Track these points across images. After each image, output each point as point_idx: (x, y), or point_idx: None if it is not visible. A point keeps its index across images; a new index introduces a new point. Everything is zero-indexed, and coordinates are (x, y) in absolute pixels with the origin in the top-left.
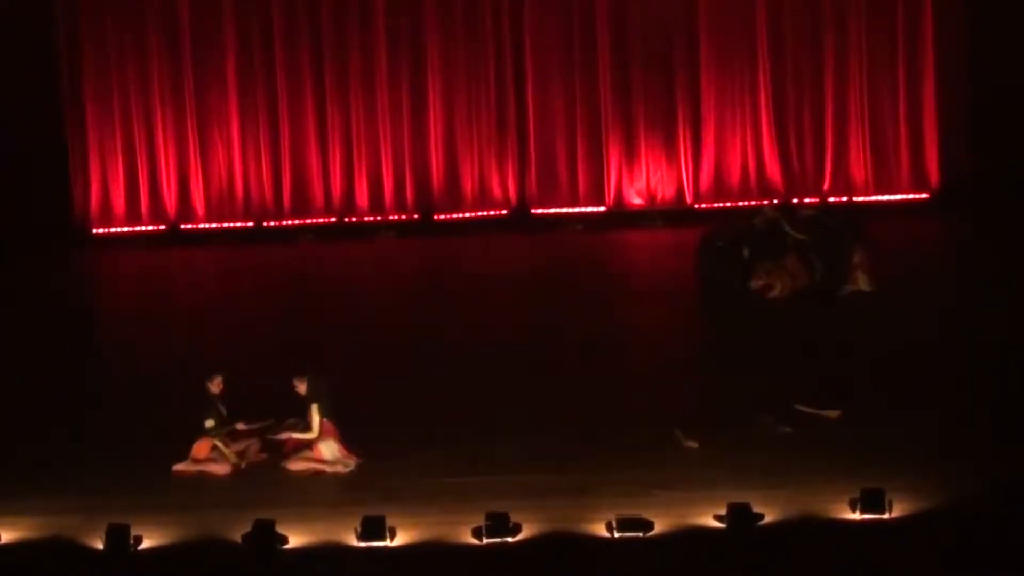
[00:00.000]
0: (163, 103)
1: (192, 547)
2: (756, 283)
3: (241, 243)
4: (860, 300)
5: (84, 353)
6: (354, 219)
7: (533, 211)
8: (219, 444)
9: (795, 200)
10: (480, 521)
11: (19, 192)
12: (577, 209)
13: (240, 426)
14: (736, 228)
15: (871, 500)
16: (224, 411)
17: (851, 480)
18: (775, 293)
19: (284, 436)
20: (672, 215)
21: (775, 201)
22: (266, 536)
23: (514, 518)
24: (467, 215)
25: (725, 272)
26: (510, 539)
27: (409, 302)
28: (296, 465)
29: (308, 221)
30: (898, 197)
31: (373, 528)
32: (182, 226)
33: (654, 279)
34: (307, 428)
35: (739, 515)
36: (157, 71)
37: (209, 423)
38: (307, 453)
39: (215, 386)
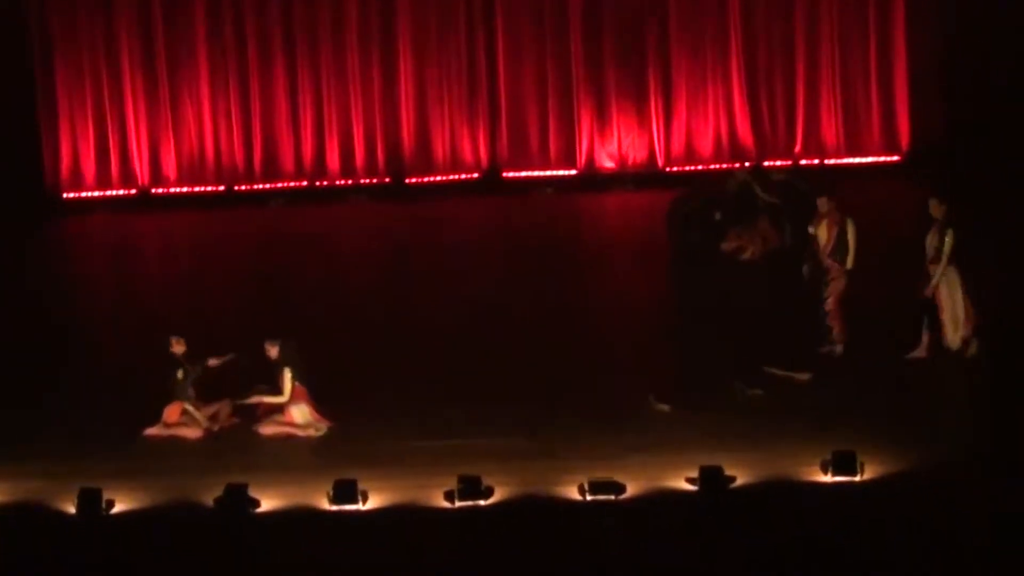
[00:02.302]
0: (133, 67)
1: (164, 511)
2: (728, 246)
3: (212, 207)
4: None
5: (55, 318)
6: (325, 183)
7: (504, 174)
8: (190, 408)
9: (767, 163)
10: (452, 484)
11: None
12: (548, 172)
13: (211, 361)
14: (707, 191)
15: (842, 462)
16: (189, 370)
17: (822, 443)
18: (747, 256)
19: (255, 400)
20: (643, 178)
21: (747, 164)
22: (238, 500)
23: (486, 481)
24: (438, 178)
25: (697, 235)
26: (483, 502)
27: (380, 266)
28: (268, 429)
29: (279, 185)
30: (869, 159)
31: (345, 492)
32: (153, 190)
33: (625, 242)
34: (278, 392)
35: (711, 478)
36: (127, 34)
37: (179, 375)
38: (279, 417)
39: (179, 346)
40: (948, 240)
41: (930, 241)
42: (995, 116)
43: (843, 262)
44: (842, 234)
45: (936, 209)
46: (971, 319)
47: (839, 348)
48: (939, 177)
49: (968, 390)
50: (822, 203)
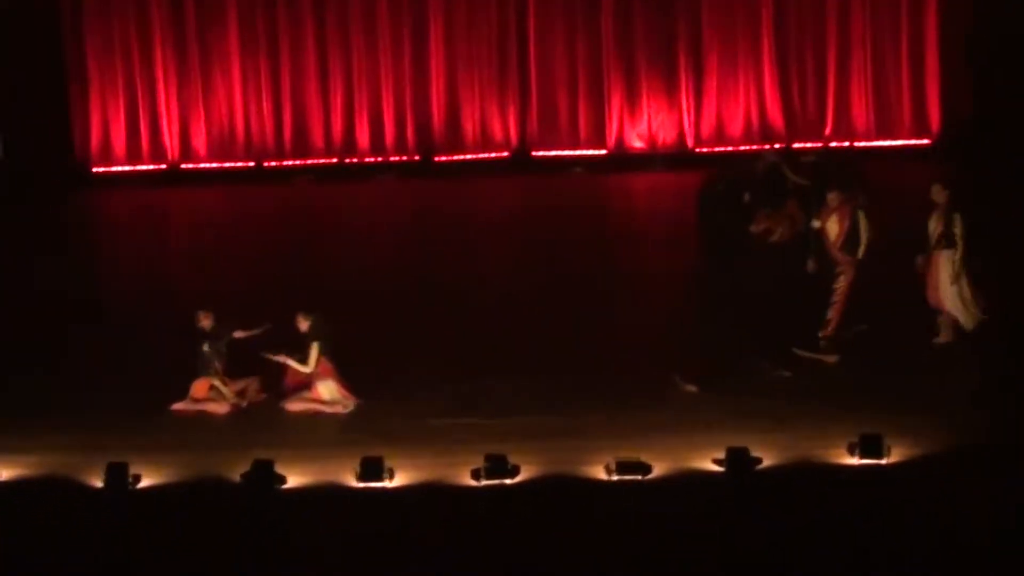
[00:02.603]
0: (164, 42)
1: (190, 486)
2: (756, 227)
3: (241, 183)
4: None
5: (84, 291)
6: (355, 160)
7: (534, 153)
8: (218, 383)
9: (796, 145)
10: (479, 463)
11: (20, 130)
12: (578, 152)
13: (238, 334)
14: (737, 172)
15: (869, 445)
16: (218, 343)
17: (850, 425)
18: (775, 238)
19: (281, 359)
20: (673, 159)
21: (776, 146)
22: (265, 475)
23: (513, 460)
24: (468, 157)
25: (725, 216)
26: (508, 481)
27: (409, 243)
28: (295, 405)
29: (308, 161)
30: (899, 142)
31: (372, 469)
32: (182, 165)
33: (654, 222)
34: (303, 361)
35: (737, 459)
36: (158, 9)
37: (206, 348)
38: (306, 393)
39: (206, 320)
40: (958, 224)
41: (933, 227)
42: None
43: (854, 254)
44: (854, 227)
45: (939, 194)
46: (980, 300)
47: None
48: (967, 161)
49: (982, 374)
50: (832, 197)
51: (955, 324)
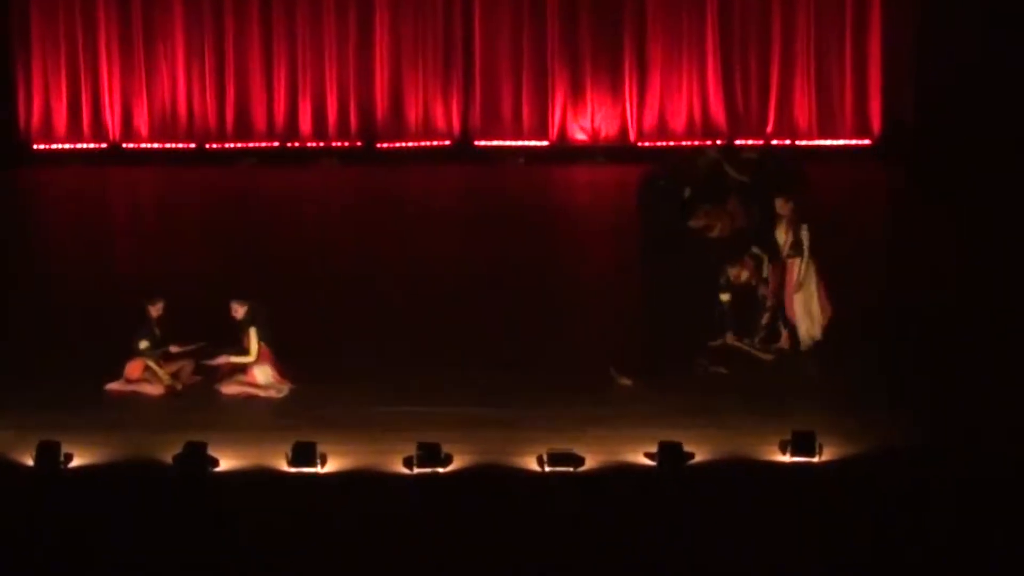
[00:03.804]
0: (108, 20)
1: (123, 467)
2: (696, 223)
3: (182, 164)
4: (814, 243)
5: (19, 267)
6: (297, 144)
7: (476, 143)
8: (152, 364)
9: (738, 142)
10: (411, 450)
11: None
12: (520, 142)
13: (173, 348)
14: (678, 167)
15: (801, 443)
16: (159, 334)
17: (782, 423)
18: (714, 233)
19: (221, 360)
20: (615, 152)
21: (718, 142)
22: (197, 458)
23: (446, 449)
24: (410, 144)
25: (665, 211)
26: (441, 469)
27: (348, 230)
28: (229, 388)
29: (251, 145)
30: (840, 142)
31: (304, 454)
32: (124, 145)
33: (594, 215)
34: (244, 352)
35: (669, 453)
36: None
37: (143, 344)
38: (241, 376)
39: (155, 310)
40: (806, 234)
41: (780, 237)
42: (963, 103)
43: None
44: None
45: (783, 207)
46: (827, 311)
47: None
48: (907, 161)
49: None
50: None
51: (793, 332)
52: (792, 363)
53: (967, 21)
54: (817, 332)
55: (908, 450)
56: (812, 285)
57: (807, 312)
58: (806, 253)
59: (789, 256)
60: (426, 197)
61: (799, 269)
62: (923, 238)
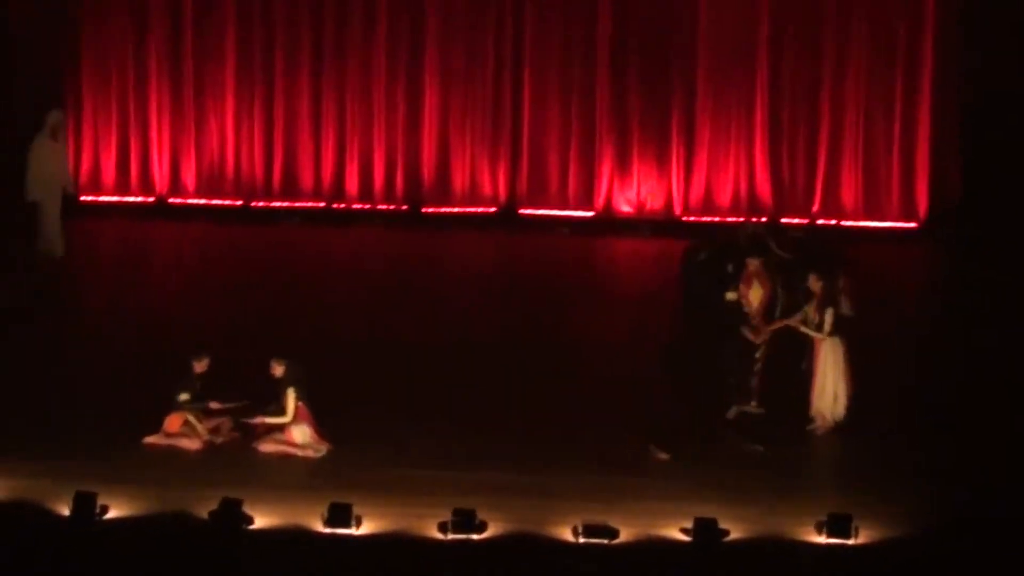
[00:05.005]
0: (160, 75)
1: (158, 520)
2: (732, 296)
3: (228, 221)
4: (840, 325)
5: (64, 318)
6: (342, 205)
7: (521, 211)
8: (192, 419)
9: (783, 220)
10: (447, 516)
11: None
12: (565, 212)
13: (213, 405)
14: (721, 241)
15: (837, 525)
16: (200, 389)
17: (819, 503)
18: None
19: (258, 421)
20: (660, 226)
21: (763, 219)
22: (232, 515)
23: (481, 516)
24: (455, 210)
25: (706, 284)
26: (475, 536)
27: (390, 293)
28: (267, 446)
29: (296, 204)
30: (886, 224)
31: (340, 515)
32: (170, 199)
33: (637, 287)
34: (281, 412)
35: (705, 530)
36: (156, 42)
37: (183, 398)
38: (279, 435)
39: (200, 366)
40: (828, 316)
41: (810, 315)
42: (1011, 189)
43: (770, 322)
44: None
45: (815, 284)
46: (850, 391)
47: (758, 408)
48: (954, 246)
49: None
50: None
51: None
52: (820, 443)
53: (1017, 103)
54: (840, 412)
55: (944, 533)
56: (836, 366)
57: (826, 392)
58: (826, 333)
59: (814, 335)
60: (469, 263)
61: (823, 348)
62: (963, 320)
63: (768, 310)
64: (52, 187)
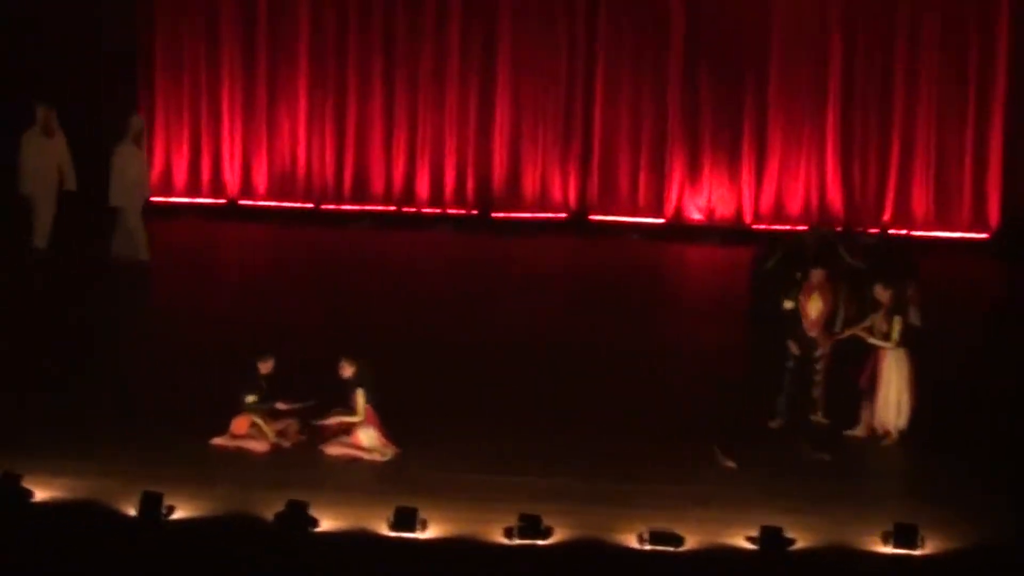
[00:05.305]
0: (232, 78)
1: (223, 521)
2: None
3: (298, 223)
4: (908, 335)
5: (134, 320)
6: (412, 209)
7: (591, 217)
8: (259, 421)
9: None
10: (512, 521)
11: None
12: (635, 219)
13: (280, 405)
14: (789, 248)
15: (904, 535)
16: (267, 391)
17: (886, 513)
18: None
19: (331, 420)
20: (729, 233)
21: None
22: (298, 517)
23: (546, 521)
24: (525, 215)
25: (775, 292)
26: (540, 541)
27: (459, 297)
28: (334, 449)
29: (367, 207)
30: (957, 235)
31: (405, 519)
32: (241, 201)
33: (705, 294)
34: (351, 412)
35: (771, 538)
36: (229, 45)
37: (250, 399)
38: (346, 438)
39: (265, 367)
40: (896, 325)
41: (877, 325)
42: None
43: (833, 336)
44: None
45: (882, 294)
46: (914, 403)
47: (824, 419)
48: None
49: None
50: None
51: (870, 421)
52: (879, 452)
53: None
54: (903, 423)
55: (1011, 545)
56: (901, 376)
57: (890, 402)
58: (894, 343)
59: (881, 344)
60: (538, 268)
61: (888, 358)
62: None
63: (827, 323)
64: (135, 193)
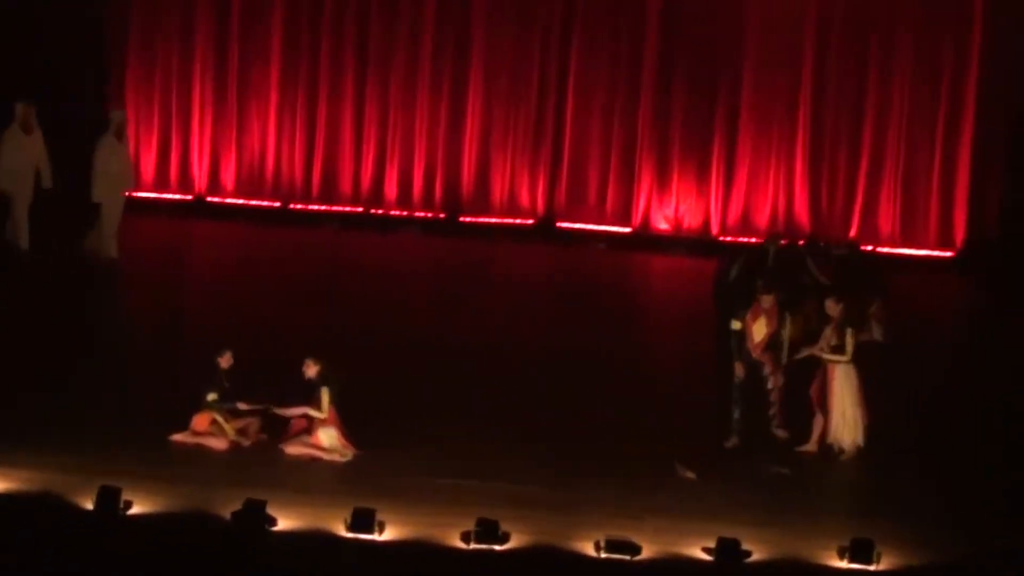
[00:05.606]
0: (204, 73)
1: (180, 518)
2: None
3: (265, 222)
4: (869, 350)
5: (99, 315)
6: (380, 211)
7: (558, 224)
8: (220, 419)
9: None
10: (470, 525)
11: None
12: (603, 227)
13: (241, 405)
14: (750, 258)
15: (860, 550)
16: (228, 387)
17: (842, 528)
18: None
19: (295, 411)
20: (696, 244)
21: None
22: (256, 516)
23: (504, 526)
24: (493, 220)
25: (736, 304)
26: (497, 547)
27: (424, 300)
28: (294, 449)
29: (334, 208)
30: (923, 252)
31: (363, 520)
32: (209, 198)
33: (669, 305)
34: (316, 409)
35: (727, 550)
36: (201, 41)
37: (211, 396)
38: (306, 438)
39: (224, 361)
40: (849, 339)
41: (827, 338)
42: None
43: (777, 359)
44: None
45: (832, 308)
46: (866, 419)
47: (783, 432)
48: (989, 277)
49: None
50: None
51: (822, 435)
52: (837, 467)
53: None
54: (860, 439)
55: (967, 561)
56: (851, 391)
57: (846, 417)
58: (848, 356)
59: (834, 359)
60: (503, 273)
61: (838, 373)
62: (993, 349)
63: (770, 346)
64: (116, 187)
